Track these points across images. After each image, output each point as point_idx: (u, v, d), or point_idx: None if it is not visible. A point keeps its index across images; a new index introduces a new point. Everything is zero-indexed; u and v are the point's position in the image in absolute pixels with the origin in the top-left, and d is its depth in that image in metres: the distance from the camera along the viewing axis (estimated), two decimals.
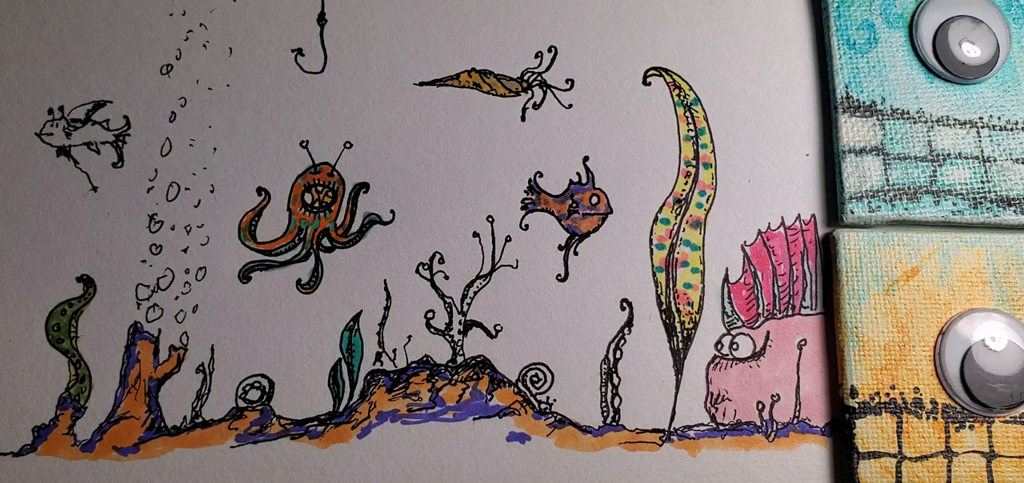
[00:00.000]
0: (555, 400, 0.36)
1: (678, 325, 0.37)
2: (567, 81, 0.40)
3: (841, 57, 0.39)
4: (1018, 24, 0.40)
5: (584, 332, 0.37)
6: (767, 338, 0.37)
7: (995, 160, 0.38)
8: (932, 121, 0.38)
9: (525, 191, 0.39)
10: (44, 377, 0.36)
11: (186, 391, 0.36)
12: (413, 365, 0.37)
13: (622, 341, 0.37)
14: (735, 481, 0.36)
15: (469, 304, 0.37)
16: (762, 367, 0.37)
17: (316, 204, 0.38)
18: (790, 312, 0.38)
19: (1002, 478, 0.35)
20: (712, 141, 0.39)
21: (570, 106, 0.40)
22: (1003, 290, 0.36)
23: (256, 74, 0.40)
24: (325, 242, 0.38)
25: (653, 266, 0.38)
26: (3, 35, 0.40)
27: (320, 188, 0.38)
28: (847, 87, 0.39)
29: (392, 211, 0.38)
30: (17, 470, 0.35)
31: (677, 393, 0.37)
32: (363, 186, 0.38)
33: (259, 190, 0.38)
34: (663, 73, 0.40)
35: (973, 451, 0.35)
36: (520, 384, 0.37)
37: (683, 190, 0.39)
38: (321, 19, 0.41)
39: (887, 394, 0.35)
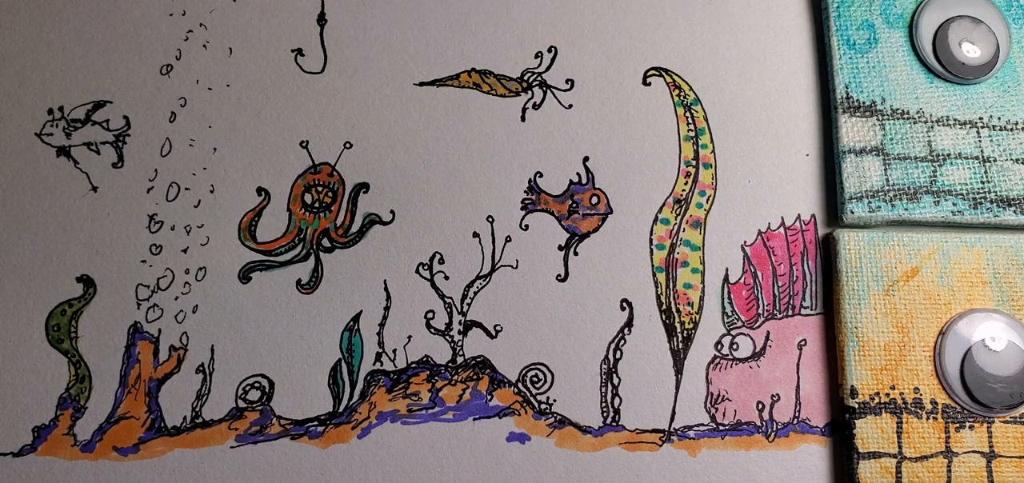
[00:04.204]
0: (555, 400, 0.36)
1: (678, 325, 0.37)
2: (567, 81, 0.40)
3: (841, 57, 0.39)
4: (1018, 24, 0.40)
5: (584, 332, 0.37)
6: (767, 338, 0.37)
7: (995, 160, 0.38)
8: (932, 121, 0.38)
9: (525, 191, 0.39)
10: (44, 377, 0.36)
11: (186, 391, 0.36)
12: (413, 365, 0.37)
13: (622, 341, 0.37)
14: (735, 481, 0.36)
15: (469, 304, 0.37)
16: (762, 367, 0.37)
17: (316, 204, 0.38)
18: (790, 312, 0.38)
19: (1002, 478, 0.35)
20: (712, 141, 0.39)
21: (570, 106, 0.40)
22: (1003, 290, 0.36)
23: (256, 74, 0.40)
24: (325, 242, 0.38)
25: (653, 266, 0.38)
26: (3, 35, 0.40)
27: (320, 188, 0.38)
28: (847, 87, 0.39)
29: (392, 211, 0.38)
30: (17, 470, 0.35)
31: (677, 393, 0.37)
32: (363, 186, 0.38)
33: (259, 190, 0.38)
34: (663, 73, 0.40)
35: (973, 451, 0.35)
36: (520, 384, 0.36)
37: (683, 190, 0.39)
38: (321, 19, 0.40)
39: (887, 394, 0.35)
